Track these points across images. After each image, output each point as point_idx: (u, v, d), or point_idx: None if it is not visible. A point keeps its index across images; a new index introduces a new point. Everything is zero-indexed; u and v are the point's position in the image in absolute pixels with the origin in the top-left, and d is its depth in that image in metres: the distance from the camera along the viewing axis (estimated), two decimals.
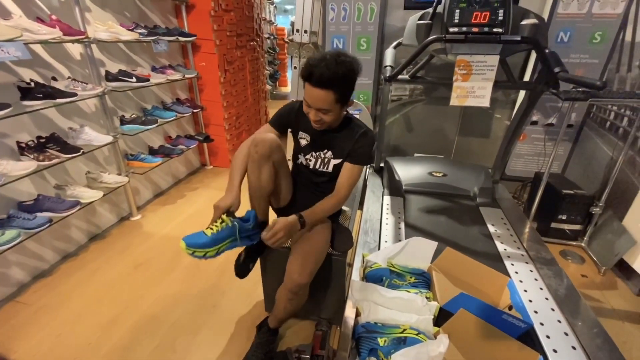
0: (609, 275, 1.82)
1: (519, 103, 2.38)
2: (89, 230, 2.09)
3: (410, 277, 1.36)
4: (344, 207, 1.72)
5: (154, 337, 1.44)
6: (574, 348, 1.10)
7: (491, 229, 1.86)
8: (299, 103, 1.27)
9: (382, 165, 2.53)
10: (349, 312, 1.21)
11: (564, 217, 2.00)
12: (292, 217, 1.17)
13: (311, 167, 1.33)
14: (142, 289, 1.71)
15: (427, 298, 1.21)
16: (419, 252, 1.39)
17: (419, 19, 1.76)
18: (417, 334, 1.07)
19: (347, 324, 1.17)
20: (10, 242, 1.44)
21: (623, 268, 1.79)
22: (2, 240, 1.41)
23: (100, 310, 1.58)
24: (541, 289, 1.42)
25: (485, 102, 1.79)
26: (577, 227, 2.02)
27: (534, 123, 2.34)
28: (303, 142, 1.31)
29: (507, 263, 1.58)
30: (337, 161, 1.29)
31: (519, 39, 1.54)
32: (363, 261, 1.41)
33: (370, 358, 1.02)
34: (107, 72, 1.99)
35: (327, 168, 1.31)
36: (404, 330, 1.10)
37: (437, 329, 1.10)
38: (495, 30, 1.59)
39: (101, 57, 2.06)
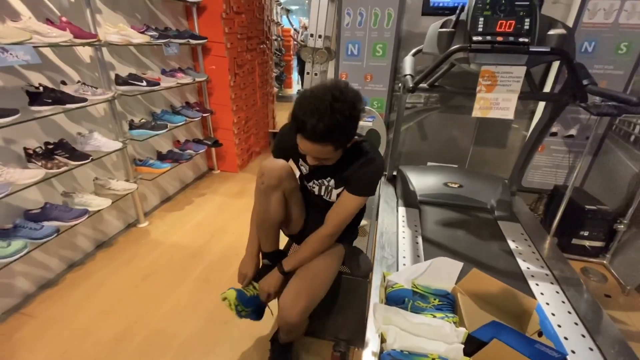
0: (634, 295, 1.75)
1: (537, 113, 2.32)
2: (96, 238, 2.03)
3: (434, 299, 1.30)
4: (362, 221, 1.66)
5: (165, 356, 1.38)
6: None
7: (512, 245, 1.79)
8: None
9: (394, 174, 2.48)
10: (372, 337, 1.15)
11: (585, 234, 1.93)
12: (273, 273, 1.18)
13: (316, 193, 1.23)
14: (150, 302, 1.65)
15: (453, 323, 1.16)
16: (443, 273, 1.32)
17: (441, 27, 1.70)
18: None
19: (370, 350, 1.11)
20: (17, 254, 1.38)
21: None
22: (8, 252, 1.36)
23: (107, 324, 1.52)
24: (569, 312, 1.36)
25: (510, 115, 1.73)
26: (599, 243, 1.95)
27: (554, 134, 2.28)
28: (303, 170, 1.21)
29: (532, 283, 1.52)
30: (339, 190, 1.16)
31: (547, 50, 1.48)
32: (384, 280, 1.34)
33: None
34: (117, 76, 1.94)
35: (330, 197, 1.19)
36: (433, 359, 1.04)
37: (466, 358, 1.04)
38: (521, 40, 1.53)
39: (111, 60, 2.00)
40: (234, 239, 2.13)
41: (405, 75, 1.82)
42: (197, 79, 2.51)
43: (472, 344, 1.06)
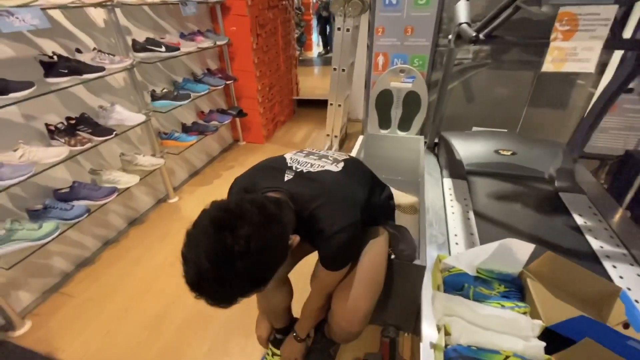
0: None
1: (611, 67, 1.97)
2: (127, 215, 1.99)
3: (499, 285, 1.14)
4: (411, 198, 1.49)
5: (205, 338, 1.34)
6: None
7: (578, 220, 1.58)
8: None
9: (436, 141, 2.25)
10: (429, 328, 1.03)
11: None
12: (291, 343, 1.10)
13: None
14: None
15: (525, 314, 1.01)
16: (511, 256, 1.15)
17: None
18: None
19: (428, 342, 0.99)
20: (49, 236, 1.33)
21: None
22: (40, 234, 1.31)
23: (146, 305, 1.49)
24: None
25: (591, 67, 1.43)
26: None
27: (629, 91, 1.94)
28: None
29: (607, 265, 1.33)
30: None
31: None
32: (439, 263, 1.19)
33: None
34: (134, 42, 1.77)
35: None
36: (507, 357, 0.91)
37: (547, 357, 0.90)
38: None
39: (126, 24, 1.83)
40: None
41: (461, 23, 1.54)
42: (218, 42, 2.31)
43: (546, 338, 0.92)
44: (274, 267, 0.69)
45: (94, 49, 1.60)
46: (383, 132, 2.40)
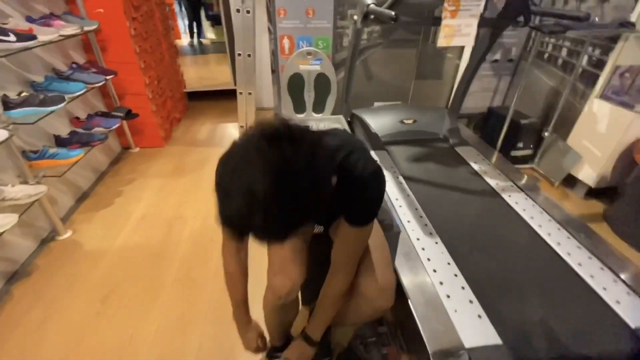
0: (561, 188, 2.16)
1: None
2: (2, 270, 1.45)
3: None
4: None
5: None
6: (602, 269, 1.23)
7: (475, 167, 1.96)
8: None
9: (349, 119, 2.39)
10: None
11: (521, 145, 2.24)
12: (300, 345, 0.96)
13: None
14: (127, 327, 1.29)
15: None
16: None
17: None
18: None
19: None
20: None
21: (568, 179, 2.13)
22: None
23: None
24: (541, 213, 1.60)
25: (471, 41, 1.76)
26: (529, 152, 2.30)
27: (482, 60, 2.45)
28: None
29: (505, 196, 1.72)
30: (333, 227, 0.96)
31: None
32: None
33: None
34: None
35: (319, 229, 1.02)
36: None
37: None
38: None
39: None
40: (201, 224, 1.80)
41: (369, 4, 1.64)
42: (85, 28, 1.82)
43: None
44: (327, 198, 0.57)
45: None
46: (300, 116, 2.41)
